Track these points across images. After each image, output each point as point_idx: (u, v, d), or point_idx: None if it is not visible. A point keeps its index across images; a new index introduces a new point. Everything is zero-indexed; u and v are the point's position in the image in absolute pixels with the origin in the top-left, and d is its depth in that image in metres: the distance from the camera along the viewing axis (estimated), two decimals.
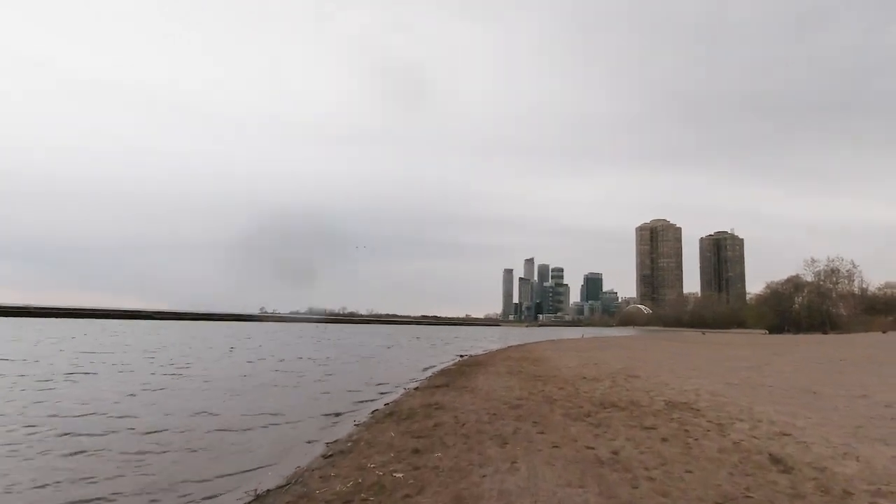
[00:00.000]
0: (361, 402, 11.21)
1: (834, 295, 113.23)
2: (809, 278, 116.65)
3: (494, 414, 8.54)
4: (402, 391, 12.72)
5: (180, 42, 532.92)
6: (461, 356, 27.30)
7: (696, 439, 6.59)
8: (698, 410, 8.48)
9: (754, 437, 6.59)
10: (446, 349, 34.17)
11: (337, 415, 9.84)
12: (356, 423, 8.58)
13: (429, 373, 17.27)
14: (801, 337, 67.81)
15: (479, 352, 32.95)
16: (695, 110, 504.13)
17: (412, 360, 23.39)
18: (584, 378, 13.82)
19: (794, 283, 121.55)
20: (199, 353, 23.75)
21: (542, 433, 7.13)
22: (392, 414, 9.09)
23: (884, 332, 69.34)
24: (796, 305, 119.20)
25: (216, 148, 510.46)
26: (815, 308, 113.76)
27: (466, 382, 13.24)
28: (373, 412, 9.67)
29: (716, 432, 6.96)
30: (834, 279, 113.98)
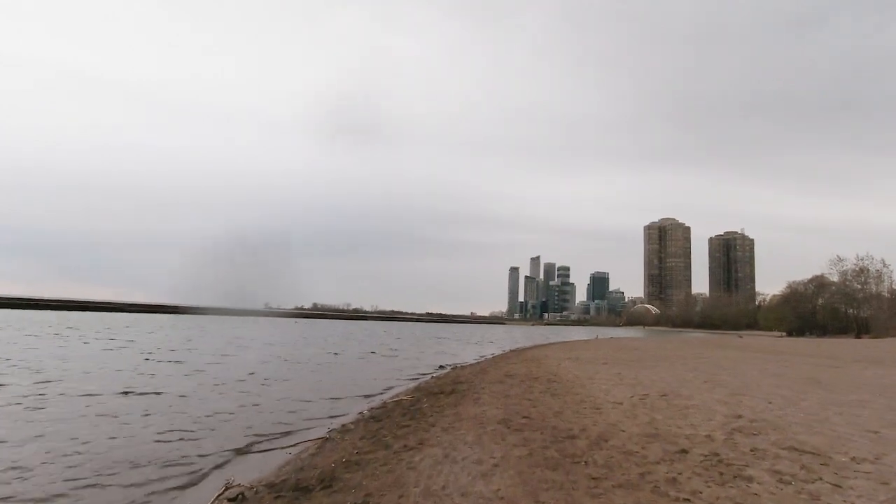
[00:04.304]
0: None
1: (860, 296, 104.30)
2: (835, 278, 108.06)
3: None
4: None
5: (167, 37, 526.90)
6: (442, 367, 19.26)
7: None
8: None
9: None
10: (431, 354, 26.10)
11: None
12: None
13: (350, 415, 9.13)
14: (848, 340, 59.34)
15: (474, 357, 24.90)
16: (693, 111, 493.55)
17: (360, 378, 15.22)
18: (684, 452, 5.72)
19: (818, 283, 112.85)
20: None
21: None
22: None
23: None
24: (818, 307, 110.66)
25: (200, 142, 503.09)
26: (840, 310, 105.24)
27: (388, 476, 5.09)
28: None
29: None
30: (862, 279, 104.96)
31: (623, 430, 6.94)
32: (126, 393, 10.18)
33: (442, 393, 11.11)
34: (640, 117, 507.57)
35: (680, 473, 5.02)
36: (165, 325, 48.44)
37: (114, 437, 6.60)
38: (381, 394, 11.76)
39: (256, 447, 6.68)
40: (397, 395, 11.11)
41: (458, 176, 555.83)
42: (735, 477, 4.89)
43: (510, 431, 6.95)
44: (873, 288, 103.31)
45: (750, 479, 4.80)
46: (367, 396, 11.27)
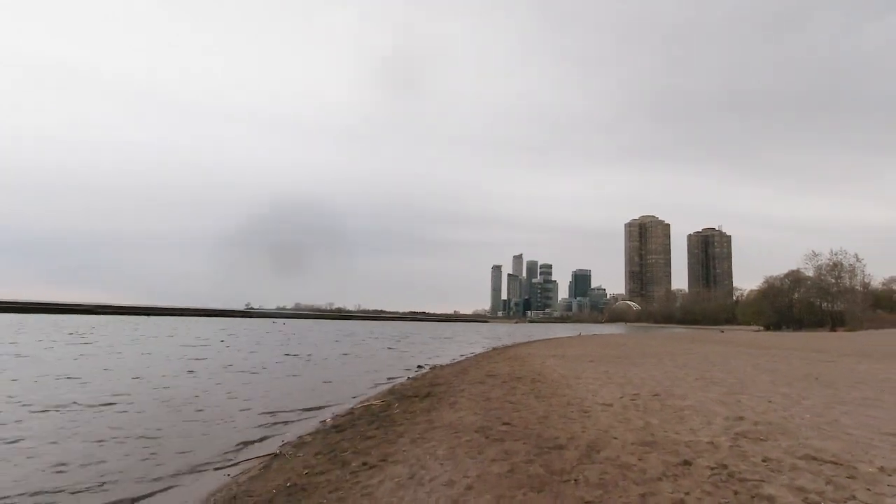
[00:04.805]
0: None
1: (835, 290, 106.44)
2: (810, 272, 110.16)
3: None
4: None
5: (167, 32, 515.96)
6: (420, 367, 18.40)
7: None
8: None
9: None
10: (411, 353, 25.17)
11: None
12: None
13: (312, 424, 8.18)
14: (825, 334, 60.25)
15: (455, 355, 24.11)
16: (675, 109, 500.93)
17: (333, 381, 14.23)
18: (687, 463, 4.94)
19: (794, 278, 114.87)
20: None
21: None
22: None
23: None
24: (794, 301, 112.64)
25: (199, 142, 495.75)
26: (815, 304, 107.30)
27: None
28: None
29: None
30: (836, 273, 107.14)
31: (616, 438, 6.14)
32: (43, 411, 8.76)
33: (416, 396, 10.23)
34: (626, 116, 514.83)
35: (688, 493, 4.22)
36: (129, 327, 46.54)
37: (16, 464, 5.47)
38: (352, 399, 10.80)
39: (189, 469, 5.68)
40: (367, 400, 10.19)
41: (441, 174, 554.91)
42: (753, 497, 4.10)
43: (489, 442, 6.11)
44: (847, 282, 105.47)
45: (772, 500, 4.02)
46: (335, 403, 10.30)
